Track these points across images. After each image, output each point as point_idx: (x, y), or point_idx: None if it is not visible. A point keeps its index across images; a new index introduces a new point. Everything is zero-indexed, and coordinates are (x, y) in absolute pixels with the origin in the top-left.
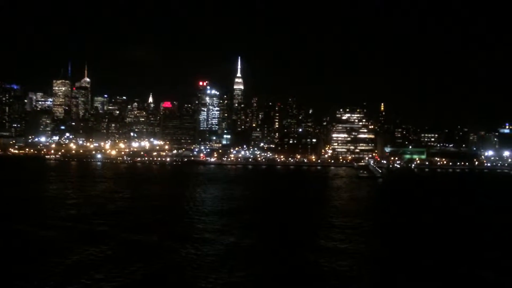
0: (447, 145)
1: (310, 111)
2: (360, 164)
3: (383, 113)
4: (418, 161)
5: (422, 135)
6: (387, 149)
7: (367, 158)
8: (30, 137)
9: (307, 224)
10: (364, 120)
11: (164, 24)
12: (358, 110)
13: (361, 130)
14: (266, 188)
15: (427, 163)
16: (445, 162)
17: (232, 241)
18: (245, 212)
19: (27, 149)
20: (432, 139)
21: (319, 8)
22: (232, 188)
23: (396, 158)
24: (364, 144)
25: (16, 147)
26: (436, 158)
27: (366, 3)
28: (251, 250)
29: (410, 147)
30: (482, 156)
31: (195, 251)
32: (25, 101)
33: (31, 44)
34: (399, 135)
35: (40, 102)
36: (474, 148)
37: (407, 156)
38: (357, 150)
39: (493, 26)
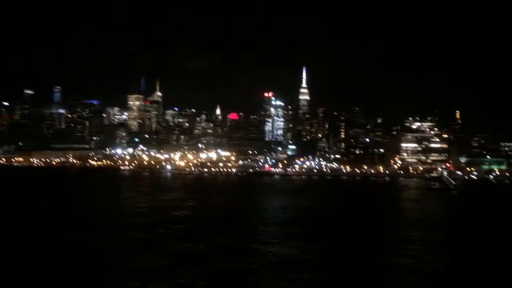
0: None
1: (379, 120)
2: (432, 175)
3: (458, 121)
4: (498, 172)
5: (502, 144)
6: (463, 159)
7: (440, 168)
8: (107, 149)
9: (371, 237)
10: (436, 129)
11: (232, 38)
12: (429, 118)
13: (432, 139)
14: (331, 198)
15: (507, 174)
16: None
17: (291, 253)
18: (308, 223)
19: (104, 161)
20: None
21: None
22: (296, 198)
23: (473, 169)
24: (437, 154)
25: (95, 159)
26: None
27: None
28: (307, 261)
29: (488, 157)
30: None
31: (259, 260)
32: (103, 115)
33: (107, 61)
34: (476, 144)
35: (116, 116)
36: None
37: (485, 167)
38: (429, 161)
39: None
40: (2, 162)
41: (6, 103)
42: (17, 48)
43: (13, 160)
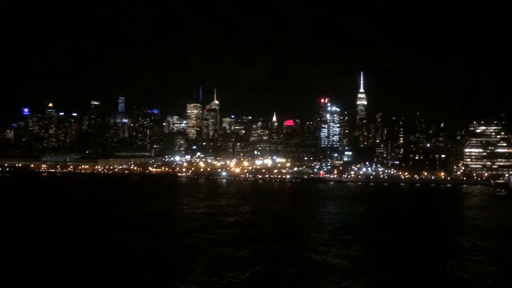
0: None
1: (442, 125)
2: (499, 181)
3: None
4: None
5: None
6: None
7: (507, 175)
8: (166, 156)
9: (423, 246)
10: (502, 133)
11: (283, 42)
12: (495, 122)
13: (499, 144)
14: (386, 206)
15: None
16: None
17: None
18: (362, 229)
19: (162, 168)
20: None
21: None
22: (350, 205)
23: None
24: (504, 160)
25: (155, 166)
26: None
27: None
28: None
29: None
30: None
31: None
32: (164, 124)
33: (167, 72)
34: None
35: (176, 125)
36: None
37: None
38: (495, 166)
39: None
40: (70, 169)
41: (74, 114)
42: (85, 62)
43: (80, 168)
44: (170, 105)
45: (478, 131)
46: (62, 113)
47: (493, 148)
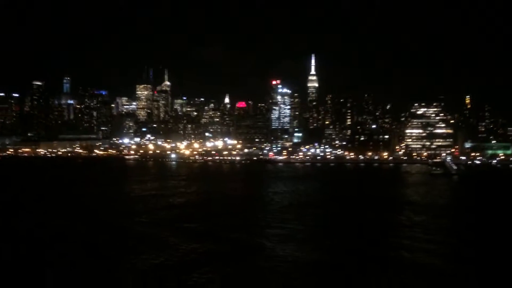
0: None
1: (388, 107)
2: (436, 160)
3: (468, 107)
4: (503, 157)
5: (508, 128)
6: (468, 145)
7: (444, 154)
8: (114, 139)
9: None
10: (441, 115)
11: (233, 24)
12: (434, 104)
13: (437, 125)
14: (331, 185)
15: (511, 159)
16: None
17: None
18: (306, 208)
19: (110, 150)
20: None
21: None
22: (294, 185)
23: (478, 154)
24: (441, 140)
25: (102, 148)
26: None
27: None
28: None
29: (494, 141)
30: None
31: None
32: (112, 105)
33: (116, 50)
34: (483, 129)
35: (125, 106)
36: None
37: (490, 152)
38: (433, 146)
39: None
40: (9, 153)
41: (16, 94)
42: (27, 39)
43: (20, 151)
44: (119, 87)
45: (419, 112)
46: (2, 94)
47: (432, 128)
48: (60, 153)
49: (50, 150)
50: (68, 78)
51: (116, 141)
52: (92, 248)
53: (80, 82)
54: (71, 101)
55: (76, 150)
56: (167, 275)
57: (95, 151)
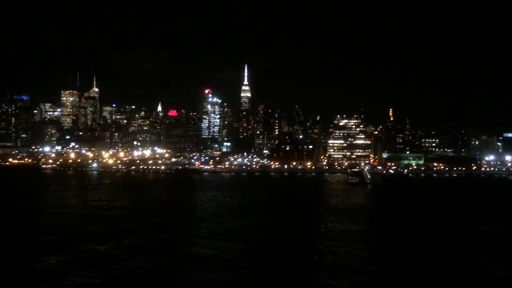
0: (447, 150)
1: (318, 118)
2: (354, 170)
3: (391, 119)
4: (415, 166)
5: (423, 140)
6: (385, 155)
7: (362, 164)
8: (33, 147)
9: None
10: (361, 126)
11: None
12: (355, 116)
13: (357, 136)
14: (252, 193)
15: (423, 168)
16: (442, 167)
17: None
18: (229, 217)
19: (26, 159)
20: (433, 144)
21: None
22: (216, 194)
23: (393, 164)
24: (361, 150)
25: (18, 157)
26: (434, 163)
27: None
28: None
29: (408, 152)
30: (483, 161)
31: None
32: (35, 111)
33: (41, 54)
34: (400, 141)
35: (49, 113)
36: (478, 153)
37: (405, 162)
38: (354, 156)
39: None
40: None
41: None
42: None
43: None
44: (44, 92)
45: (341, 124)
46: None
47: (352, 139)
48: None
49: None
50: None
51: (35, 149)
52: None
53: (2, 87)
54: None
55: None
56: None
57: (9, 159)
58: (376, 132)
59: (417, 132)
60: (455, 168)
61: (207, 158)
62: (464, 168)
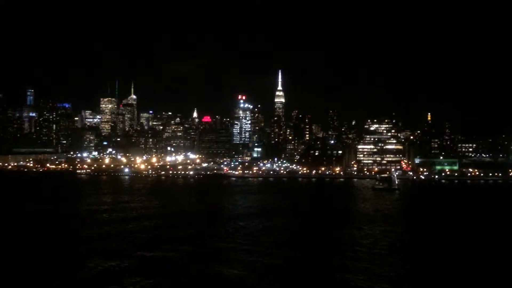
0: (484, 155)
1: (353, 123)
2: (383, 175)
3: (429, 123)
4: (448, 172)
5: (460, 145)
6: (417, 160)
7: (393, 169)
8: (71, 152)
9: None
10: (393, 131)
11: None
12: (386, 121)
13: (388, 141)
14: (277, 199)
15: (456, 174)
16: (477, 173)
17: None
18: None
19: (63, 165)
20: (470, 149)
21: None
22: (240, 199)
23: (425, 170)
24: (392, 155)
25: (56, 162)
26: (469, 169)
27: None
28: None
29: (441, 157)
30: None
31: None
32: (76, 118)
33: (83, 63)
34: (436, 146)
35: (88, 119)
36: None
37: (438, 167)
38: (384, 162)
39: None
40: None
41: None
42: None
43: None
44: (85, 100)
45: (371, 129)
46: None
47: (383, 144)
48: (9, 167)
49: (0, 164)
50: (32, 91)
51: (73, 155)
52: None
53: (45, 95)
54: (34, 114)
55: (28, 164)
56: None
57: (47, 165)
58: (412, 137)
59: (457, 136)
60: (491, 174)
61: (236, 163)
62: (500, 174)
